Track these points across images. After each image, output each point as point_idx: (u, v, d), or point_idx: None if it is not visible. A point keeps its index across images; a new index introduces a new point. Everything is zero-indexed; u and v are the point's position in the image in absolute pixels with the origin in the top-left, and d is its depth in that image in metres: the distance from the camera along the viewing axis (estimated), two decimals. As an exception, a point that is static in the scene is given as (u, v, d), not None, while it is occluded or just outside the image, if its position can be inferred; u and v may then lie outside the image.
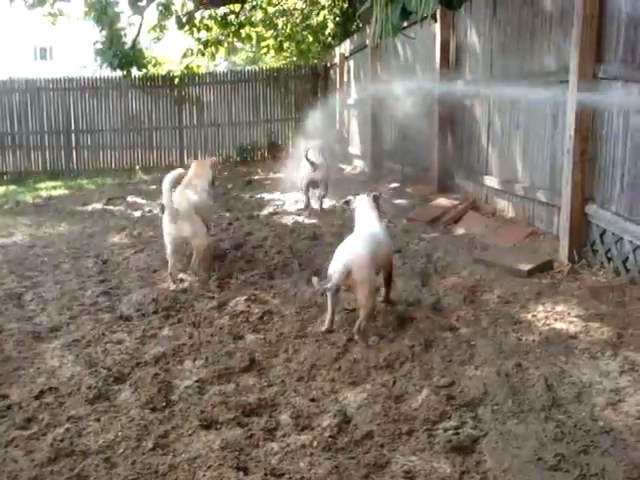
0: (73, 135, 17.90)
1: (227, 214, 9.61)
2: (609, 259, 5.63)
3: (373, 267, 4.57)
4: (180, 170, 6.27)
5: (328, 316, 4.77)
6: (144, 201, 11.28)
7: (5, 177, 17.13)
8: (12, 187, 15.00)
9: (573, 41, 5.62)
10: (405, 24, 10.61)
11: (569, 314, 4.84)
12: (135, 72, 17.14)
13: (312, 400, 3.83)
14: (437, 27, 9.11)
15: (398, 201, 9.44)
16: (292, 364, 4.34)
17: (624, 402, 3.59)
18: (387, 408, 3.63)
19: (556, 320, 4.76)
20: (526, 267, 5.80)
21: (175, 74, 18.29)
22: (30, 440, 3.53)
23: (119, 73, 16.78)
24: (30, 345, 4.85)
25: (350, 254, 4.50)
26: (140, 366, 4.41)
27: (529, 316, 4.88)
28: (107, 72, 17.48)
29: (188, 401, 3.89)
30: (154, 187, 12.96)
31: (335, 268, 4.48)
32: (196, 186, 6.52)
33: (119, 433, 3.53)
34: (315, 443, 3.32)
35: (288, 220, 8.93)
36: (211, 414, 3.67)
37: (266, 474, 3.06)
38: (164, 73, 18.53)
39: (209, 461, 3.19)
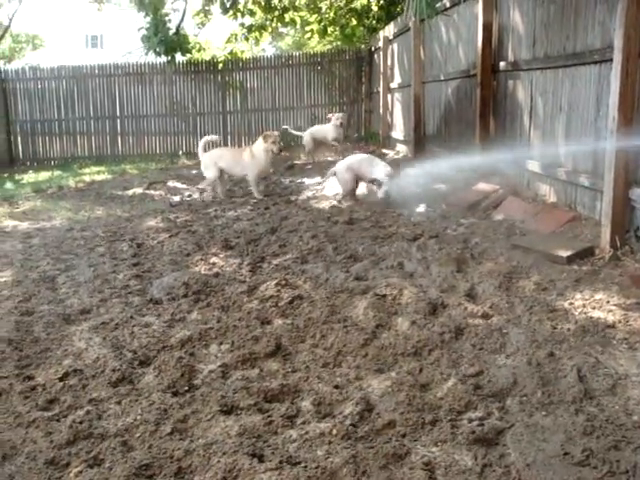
0: (119, 121, 18.11)
1: (265, 198, 9.56)
2: (653, 246, 5.39)
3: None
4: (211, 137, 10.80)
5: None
6: (184, 186, 11.32)
7: (52, 163, 17.39)
8: (57, 172, 15.22)
9: (618, 17, 5.36)
10: (448, 4, 10.45)
11: (608, 302, 4.63)
12: (179, 57, 17.22)
13: (336, 387, 3.73)
14: (480, 7, 8.86)
15: (438, 186, 9.25)
16: (318, 350, 4.24)
17: (661, 395, 3.40)
18: (411, 397, 3.51)
19: (594, 308, 4.57)
20: (565, 253, 5.59)
21: (219, 59, 18.29)
22: (51, 422, 3.51)
23: (164, 59, 16.87)
24: (59, 327, 4.86)
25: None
26: (166, 349, 4.37)
27: (566, 304, 4.69)
28: (152, 58, 17.61)
29: (210, 386, 3.83)
30: (195, 172, 13.01)
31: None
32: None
33: (138, 417, 3.49)
34: (335, 431, 3.22)
35: (326, 205, 8.83)
36: (232, 399, 3.60)
37: (281, 462, 2.97)
38: (208, 58, 18.56)
39: (225, 447, 3.12)
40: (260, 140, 9.84)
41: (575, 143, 6.74)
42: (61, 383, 3.94)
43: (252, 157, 9.79)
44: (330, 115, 14.59)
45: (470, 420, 3.24)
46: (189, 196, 10.37)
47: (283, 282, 5.38)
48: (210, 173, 9.98)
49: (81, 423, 3.43)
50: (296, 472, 2.87)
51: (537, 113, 7.67)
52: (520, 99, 8.16)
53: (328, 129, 14.28)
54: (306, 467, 2.92)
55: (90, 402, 3.71)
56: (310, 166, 13.49)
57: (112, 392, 3.81)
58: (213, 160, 9.99)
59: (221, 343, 4.45)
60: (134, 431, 3.37)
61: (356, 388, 3.70)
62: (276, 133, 9.99)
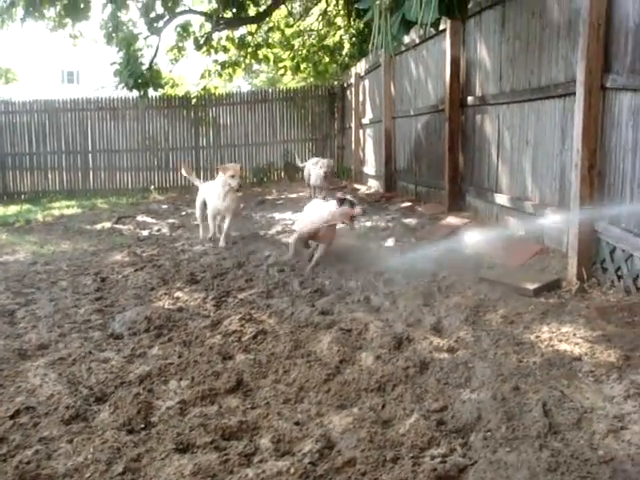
0: (90, 155, 17.99)
1: (234, 234, 9.47)
2: (619, 277, 5.37)
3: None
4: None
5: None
6: (153, 220, 11.19)
7: (23, 196, 17.18)
8: (26, 206, 15.01)
9: (580, 51, 5.41)
10: (417, 41, 10.55)
11: (575, 335, 4.58)
12: (152, 92, 17.20)
13: (296, 424, 3.61)
14: (447, 43, 8.95)
15: (408, 220, 9.23)
16: (280, 385, 4.12)
17: (627, 429, 3.32)
18: (373, 433, 3.39)
19: (560, 341, 4.51)
20: (532, 286, 5.55)
21: (192, 95, 18.31)
22: (-4, 462, 3.34)
23: (136, 94, 16.84)
24: (14, 363, 4.68)
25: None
26: (124, 385, 4.21)
27: (532, 337, 4.63)
28: (125, 93, 17.57)
29: (167, 423, 3.68)
30: (165, 207, 12.91)
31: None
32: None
33: (89, 456, 3.33)
34: (292, 470, 3.09)
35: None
36: (188, 437, 3.46)
37: (236, 503, 2.84)
38: (181, 94, 18.58)
39: (178, 488, 2.98)
40: (220, 173, 8.33)
41: (541, 176, 6.76)
42: (11, 421, 3.76)
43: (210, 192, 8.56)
44: (316, 160, 12.83)
45: (432, 457, 3.13)
46: (158, 230, 10.24)
47: (247, 317, 5.27)
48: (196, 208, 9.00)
49: (28, 463, 3.27)
50: (250, 513, 2.73)
51: (504, 147, 7.71)
52: (488, 133, 8.20)
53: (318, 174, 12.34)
54: (261, 508, 2.79)
55: (40, 441, 3.53)
56: (281, 201, 13.44)
57: (64, 430, 3.65)
58: (199, 193, 8.93)
59: (181, 379, 4.30)
60: (84, 471, 3.21)
61: (317, 425, 3.57)
62: (238, 166, 8.43)
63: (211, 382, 4.19)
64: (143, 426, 3.68)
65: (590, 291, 5.42)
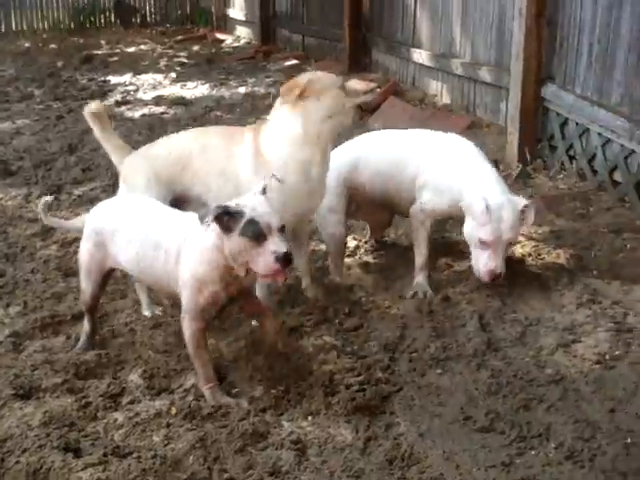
0: None
1: (56, 104, 9.39)
2: (571, 158, 5.82)
3: None
4: None
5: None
6: None
7: None
8: None
9: None
10: None
11: (517, 232, 5.02)
12: None
13: (166, 352, 3.85)
14: None
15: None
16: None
17: (579, 343, 3.80)
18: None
19: (499, 240, 4.93)
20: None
21: None
22: None
23: None
24: None
25: None
26: None
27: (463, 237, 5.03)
28: None
29: (-1, 363, 3.86)
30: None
31: None
32: None
33: None
34: (173, 410, 3.37)
35: (143, 112, 8.81)
36: (30, 379, 3.65)
37: (105, 454, 3.08)
38: None
39: (26, 442, 3.17)
40: None
41: (473, 25, 7.06)
42: None
43: None
44: None
45: (348, 386, 3.48)
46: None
47: (90, 218, 5.41)
48: None
49: None
50: (126, 465, 2.99)
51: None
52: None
53: None
54: (139, 457, 3.06)
55: None
56: (116, 58, 13.25)
57: None
58: None
59: (8, 305, 4.46)
60: None
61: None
62: None
63: (51, 307, 4.38)
64: (-34, 372, 3.82)
65: (535, 176, 5.87)
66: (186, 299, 3.43)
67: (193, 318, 3.43)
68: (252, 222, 3.16)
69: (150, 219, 3.70)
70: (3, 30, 16.70)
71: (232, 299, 3.50)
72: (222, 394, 3.43)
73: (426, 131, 4.75)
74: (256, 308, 3.68)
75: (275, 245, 3.17)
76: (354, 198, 4.72)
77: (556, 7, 5.78)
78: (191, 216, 3.46)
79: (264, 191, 3.36)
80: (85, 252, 3.84)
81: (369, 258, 4.93)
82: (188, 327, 3.45)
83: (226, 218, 3.19)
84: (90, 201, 5.93)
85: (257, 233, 3.17)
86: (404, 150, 4.60)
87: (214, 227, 3.23)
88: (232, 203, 3.26)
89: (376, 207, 4.81)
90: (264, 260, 3.18)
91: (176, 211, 3.78)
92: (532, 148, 5.97)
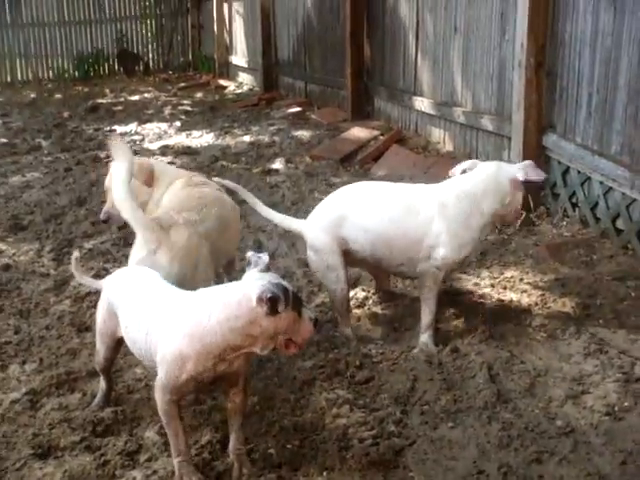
0: None
1: (63, 156, 9.49)
2: (574, 205, 5.90)
3: None
4: None
5: None
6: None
7: None
8: None
9: None
10: None
11: (522, 280, 5.09)
12: None
13: (181, 408, 3.90)
14: None
15: (299, 132, 9.52)
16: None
17: (588, 394, 3.84)
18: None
19: (505, 289, 5.01)
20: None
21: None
22: None
23: None
24: None
25: None
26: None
27: (470, 285, 5.11)
28: None
29: (16, 422, 3.89)
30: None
31: None
32: None
33: None
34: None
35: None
36: (49, 437, 3.71)
37: (126, 512, 3.15)
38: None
39: (48, 502, 3.24)
40: None
41: (474, 75, 7.18)
42: None
43: None
44: None
45: (361, 440, 3.54)
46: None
47: (103, 272, 5.47)
48: None
49: None
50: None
51: (426, 35, 8.05)
52: (403, 15, 8.50)
53: None
54: (161, 515, 3.12)
55: None
56: (120, 107, 13.39)
57: None
58: None
59: (24, 362, 4.51)
60: None
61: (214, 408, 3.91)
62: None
63: (67, 363, 4.43)
64: (-18, 430, 3.87)
65: (538, 223, 5.96)
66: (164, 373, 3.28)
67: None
68: (293, 294, 3.08)
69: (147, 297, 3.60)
70: (9, 80, 16.97)
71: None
72: (194, 470, 3.30)
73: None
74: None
75: (307, 311, 3.18)
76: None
77: (555, 58, 5.90)
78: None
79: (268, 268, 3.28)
80: (100, 316, 3.88)
81: (378, 309, 4.97)
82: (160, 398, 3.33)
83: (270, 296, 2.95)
84: (102, 254, 6.02)
85: (301, 303, 3.15)
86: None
87: (246, 309, 3.02)
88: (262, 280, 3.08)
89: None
90: (305, 327, 3.13)
91: (174, 289, 3.62)
92: (535, 197, 6.05)
